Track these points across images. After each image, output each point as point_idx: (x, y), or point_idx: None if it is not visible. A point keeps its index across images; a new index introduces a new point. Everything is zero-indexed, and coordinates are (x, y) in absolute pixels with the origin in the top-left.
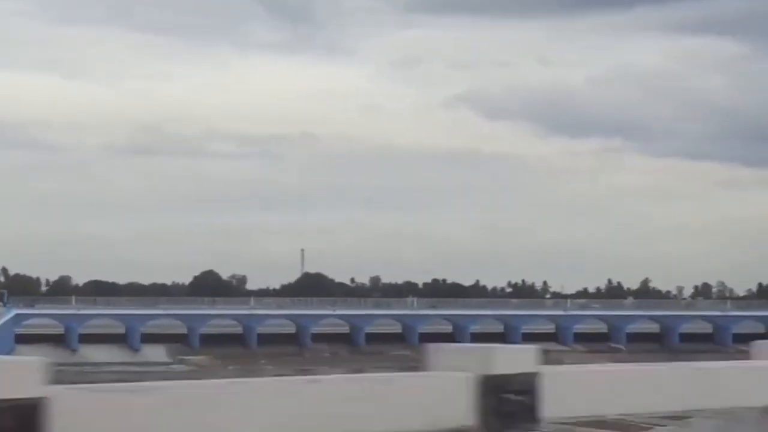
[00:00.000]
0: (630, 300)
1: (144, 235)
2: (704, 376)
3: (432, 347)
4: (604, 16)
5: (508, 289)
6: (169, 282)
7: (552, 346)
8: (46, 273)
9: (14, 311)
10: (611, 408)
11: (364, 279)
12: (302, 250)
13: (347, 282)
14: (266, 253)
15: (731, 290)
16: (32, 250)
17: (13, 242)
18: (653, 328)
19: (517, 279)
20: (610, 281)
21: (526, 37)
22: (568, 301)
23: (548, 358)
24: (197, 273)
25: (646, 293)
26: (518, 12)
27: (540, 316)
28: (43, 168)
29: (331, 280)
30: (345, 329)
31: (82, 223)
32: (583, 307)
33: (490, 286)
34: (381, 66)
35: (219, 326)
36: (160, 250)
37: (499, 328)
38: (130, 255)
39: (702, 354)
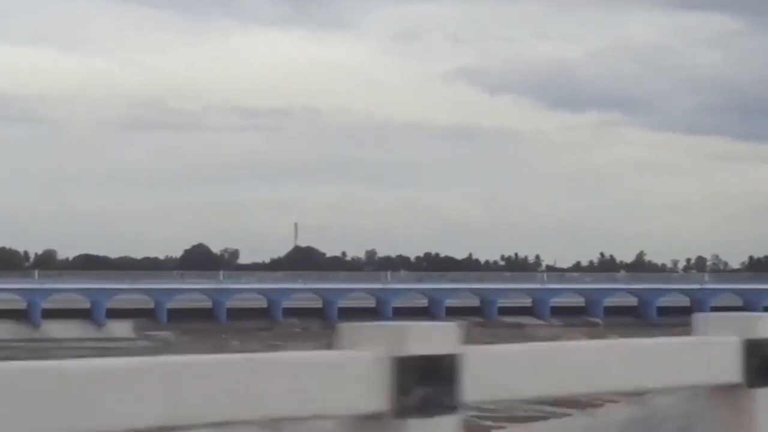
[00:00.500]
0: (622, 273)
1: (139, 209)
2: (648, 352)
3: (344, 326)
4: None
5: (501, 263)
6: (162, 256)
7: (528, 320)
8: (35, 247)
9: None
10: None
11: (359, 253)
12: (295, 224)
13: (339, 256)
14: (261, 227)
15: (726, 263)
16: (23, 224)
17: (3, 216)
18: (632, 301)
19: (511, 252)
20: (602, 254)
21: (526, 12)
22: (545, 275)
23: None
24: (188, 247)
25: (641, 266)
26: None
27: (517, 289)
28: (39, 142)
29: (323, 254)
30: (318, 304)
31: (76, 197)
32: (562, 280)
33: (483, 260)
34: (382, 40)
35: (188, 301)
36: (154, 225)
37: (475, 302)
38: (124, 229)
39: (677, 328)
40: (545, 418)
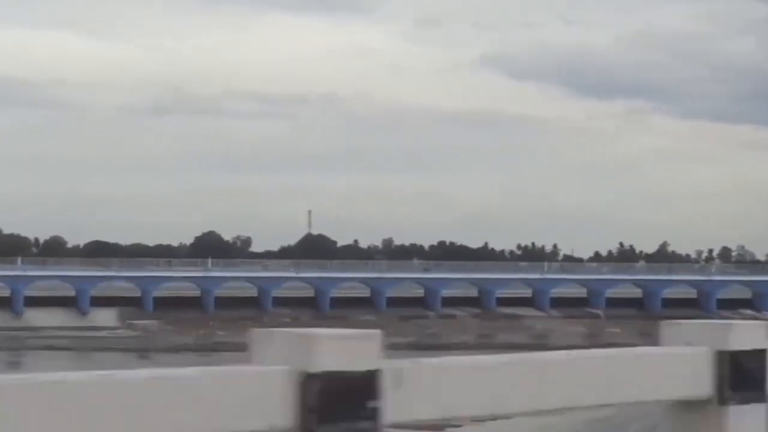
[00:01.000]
0: (641, 264)
1: (155, 195)
2: (610, 363)
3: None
4: None
5: (518, 252)
6: (176, 243)
7: (527, 311)
8: (48, 234)
9: None
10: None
11: (376, 241)
12: (309, 211)
13: (352, 244)
14: (276, 214)
15: (752, 254)
16: (37, 210)
17: (18, 202)
18: (635, 293)
19: (529, 241)
20: (621, 244)
21: None
22: (545, 264)
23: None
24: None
25: (662, 257)
26: None
27: (516, 279)
28: (58, 127)
29: (334, 243)
30: (310, 293)
31: (92, 183)
32: (562, 270)
33: (499, 249)
34: (404, 25)
35: (176, 289)
36: (169, 211)
37: (473, 292)
38: (138, 216)
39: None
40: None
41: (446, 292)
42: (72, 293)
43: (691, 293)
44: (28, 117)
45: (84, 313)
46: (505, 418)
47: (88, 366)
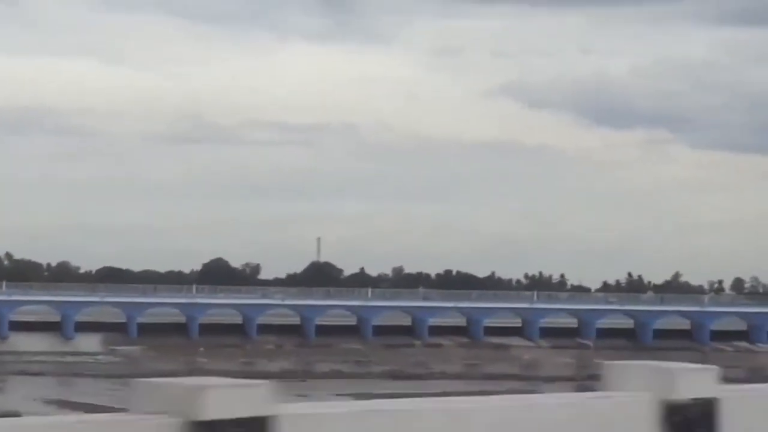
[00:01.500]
0: (649, 294)
1: (169, 222)
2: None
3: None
4: (646, 6)
5: (525, 281)
6: (187, 270)
7: (516, 340)
8: (59, 258)
9: None
10: None
11: (387, 269)
12: (318, 238)
13: (358, 272)
14: (288, 241)
15: (765, 285)
16: (51, 236)
17: (33, 228)
18: (627, 323)
19: (536, 271)
20: (630, 275)
21: (568, 26)
22: (535, 293)
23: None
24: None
25: (673, 288)
26: (561, 0)
27: (504, 309)
28: (79, 155)
29: (340, 271)
30: (296, 320)
31: (108, 210)
32: (550, 299)
33: (506, 278)
34: (422, 55)
35: (162, 315)
36: (183, 238)
37: (461, 321)
38: (153, 242)
39: (675, 352)
40: None
41: (434, 321)
42: (57, 318)
43: (685, 324)
44: (48, 144)
45: (68, 338)
46: None
47: (67, 392)
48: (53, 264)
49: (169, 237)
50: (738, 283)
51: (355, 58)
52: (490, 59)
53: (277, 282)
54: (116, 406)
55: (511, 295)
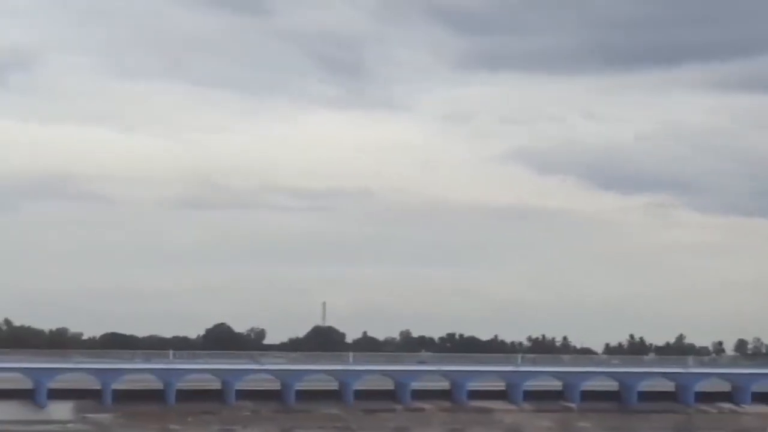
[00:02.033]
0: (651, 356)
1: (178, 287)
2: None
3: None
4: (651, 73)
5: (528, 344)
6: (193, 335)
7: (500, 404)
8: (61, 324)
9: None
10: None
11: (394, 333)
12: (323, 303)
13: (360, 337)
14: (294, 306)
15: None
16: (55, 301)
17: (35, 293)
18: (612, 385)
19: (539, 333)
20: (632, 336)
21: (576, 94)
22: (519, 356)
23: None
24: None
25: (676, 349)
26: (567, 68)
27: (489, 372)
28: (92, 220)
29: (343, 335)
30: (276, 386)
31: (115, 275)
32: (535, 363)
33: (510, 341)
34: (434, 121)
35: (139, 381)
36: (191, 302)
37: (444, 385)
38: (160, 307)
39: (657, 414)
40: None
41: (417, 385)
42: (29, 386)
43: (669, 386)
44: (68, 211)
45: (41, 407)
46: None
47: None
48: (54, 329)
49: (176, 301)
50: (741, 345)
51: (369, 125)
52: (500, 125)
53: (282, 347)
54: None
55: (497, 357)
